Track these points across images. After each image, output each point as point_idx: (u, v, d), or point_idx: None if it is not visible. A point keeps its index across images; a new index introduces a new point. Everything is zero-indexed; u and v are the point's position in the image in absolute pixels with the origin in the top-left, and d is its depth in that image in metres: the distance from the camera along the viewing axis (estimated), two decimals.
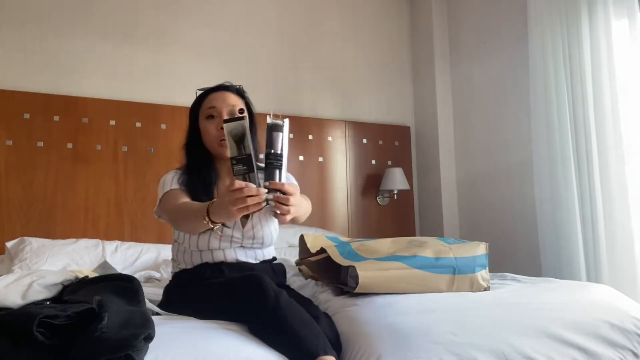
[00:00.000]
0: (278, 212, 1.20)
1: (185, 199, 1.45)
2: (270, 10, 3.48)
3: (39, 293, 1.12)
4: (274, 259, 1.65)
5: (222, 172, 1.58)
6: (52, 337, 0.89)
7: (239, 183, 1.12)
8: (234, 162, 1.16)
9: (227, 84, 1.60)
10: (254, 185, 1.13)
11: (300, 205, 1.31)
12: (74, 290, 1.17)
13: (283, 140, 1.21)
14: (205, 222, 1.22)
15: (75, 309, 0.93)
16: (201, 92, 1.60)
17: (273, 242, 1.62)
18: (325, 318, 1.37)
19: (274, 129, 1.20)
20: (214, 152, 1.55)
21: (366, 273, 1.51)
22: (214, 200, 1.26)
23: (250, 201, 1.11)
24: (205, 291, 1.40)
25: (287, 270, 1.96)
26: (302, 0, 3.60)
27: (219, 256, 1.50)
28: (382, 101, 3.80)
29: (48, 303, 1.07)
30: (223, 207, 1.16)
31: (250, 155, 1.16)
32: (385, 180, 3.51)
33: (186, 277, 1.52)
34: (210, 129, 1.52)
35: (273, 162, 1.19)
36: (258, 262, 1.56)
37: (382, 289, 1.52)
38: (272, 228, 1.58)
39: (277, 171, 1.20)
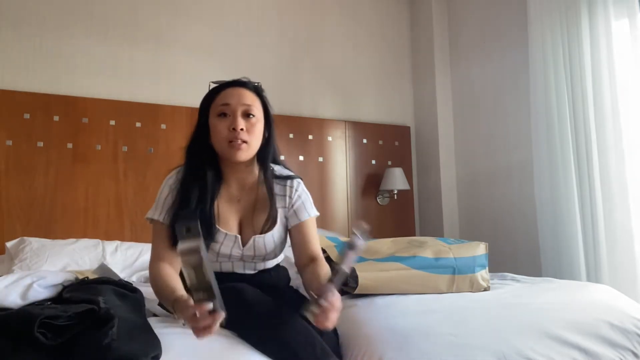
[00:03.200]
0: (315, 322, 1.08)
1: (165, 251, 1.31)
2: (271, 10, 3.48)
3: (39, 293, 1.12)
4: (277, 266, 1.53)
5: (228, 175, 1.42)
6: (53, 337, 0.89)
7: (198, 310, 0.96)
8: (193, 290, 0.99)
9: (244, 79, 1.44)
10: (210, 309, 0.96)
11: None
12: (75, 290, 1.17)
13: (353, 260, 1.09)
14: (176, 317, 1.12)
15: (76, 310, 0.93)
16: (215, 85, 1.43)
17: (277, 256, 1.49)
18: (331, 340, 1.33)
19: (352, 247, 1.07)
20: (221, 154, 1.38)
21: (366, 274, 1.51)
22: (181, 299, 1.09)
23: (202, 328, 0.97)
24: None
25: (288, 268, 1.96)
26: (302, 1, 3.60)
27: (214, 266, 1.39)
28: (382, 101, 3.80)
29: (49, 303, 1.07)
30: (186, 320, 1.02)
31: (210, 284, 0.97)
32: (385, 180, 3.51)
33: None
34: (221, 128, 1.34)
35: (337, 280, 1.09)
36: (256, 271, 1.46)
37: (382, 290, 1.52)
38: (277, 245, 1.44)
39: (334, 287, 1.10)
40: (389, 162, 3.68)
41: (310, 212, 1.47)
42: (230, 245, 1.38)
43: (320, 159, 3.48)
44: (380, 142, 3.70)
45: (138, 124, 2.94)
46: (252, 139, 1.36)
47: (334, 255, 1.66)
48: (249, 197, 1.44)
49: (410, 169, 3.76)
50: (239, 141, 1.33)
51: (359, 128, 3.64)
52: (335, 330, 1.35)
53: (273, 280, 1.48)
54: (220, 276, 1.35)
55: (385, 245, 1.74)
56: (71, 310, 0.92)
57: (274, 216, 1.43)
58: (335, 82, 3.64)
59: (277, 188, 1.46)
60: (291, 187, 1.47)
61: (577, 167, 2.58)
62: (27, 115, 2.71)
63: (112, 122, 2.89)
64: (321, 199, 3.42)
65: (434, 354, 1.28)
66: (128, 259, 2.49)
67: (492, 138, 3.35)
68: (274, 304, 1.24)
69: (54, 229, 2.67)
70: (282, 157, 1.53)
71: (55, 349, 0.89)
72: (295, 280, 1.83)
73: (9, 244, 2.42)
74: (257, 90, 1.45)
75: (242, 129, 1.34)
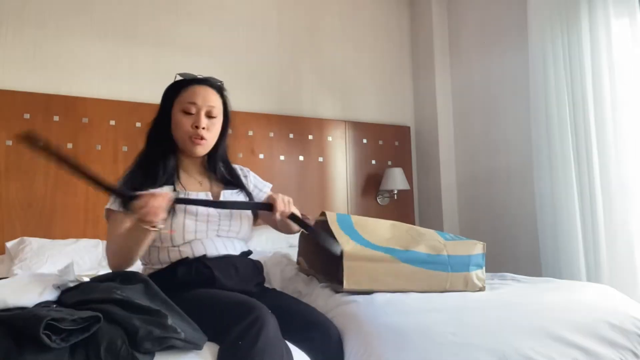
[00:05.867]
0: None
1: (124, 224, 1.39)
2: (270, 10, 3.48)
3: (51, 294, 1.12)
4: (250, 252, 1.55)
5: (186, 165, 1.53)
6: (57, 340, 0.89)
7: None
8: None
9: (210, 78, 1.54)
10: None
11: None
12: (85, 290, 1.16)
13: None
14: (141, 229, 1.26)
15: (81, 314, 0.93)
16: (182, 78, 1.52)
17: (248, 235, 1.55)
18: (333, 328, 1.34)
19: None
20: (182, 146, 1.49)
21: (353, 263, 1.50)
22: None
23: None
24: (192, 303, 1.22)
25: (287, 265, 1.96)
26: (302, 1, 3.60)
27: (199, 249, 1.40)
28: (382, 101, 3.80)
29: (54, 306, 1.07)
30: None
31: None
32: (385, 180, 3.52)
33: (166, 281, 1.31)
34: (185, 124, 1.45)
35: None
36: (239, 253, 1.48)
37: (370, 283, 1.51)
38: (245, 214, 1.52)
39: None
40: (389, 162, 3.68)
41: (267, 185, 1.69)
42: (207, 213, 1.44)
43: (320, 159, 3.48)
44: (380, 142, 3.70)
45: (138, 124, 2.95)
46: (211, 136, 1.50)
47: (331, 219, 1.65)
48: (208, 180, 1.55)
49: (410, 169, 3.76)
50: (199, 138, 1.46)
51: (359, 128, 3.64)
52: (335, 328, 1.35)
53: (258, 275, 1.52)
54: (214, 262, 1.40)
55: (383, 228, 1.71)
56: (76, 315, 0.92)
57: (238, 178, 1.59)
58: (335, 82, 3.64)
59: (231, 172, 1.60)
60: (242, 169, 1.66)
61: (577, 167, 2.58)
62: (27, 115, 2.71)
63: (112, 122, 2.89)
64: (321, 199, 3.42)
65: (434, 353, 1.28)
66: None
67: (492, 138, 3.35)
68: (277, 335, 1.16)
69: (54, 229, 2.67)
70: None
71: (58, 351, 0.89)
72: (297, 278, 1.84)
73: (9, 244, 2.42)
74: (220, 90, 1.55)
75: (203, 128, 1.46)
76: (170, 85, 1.53)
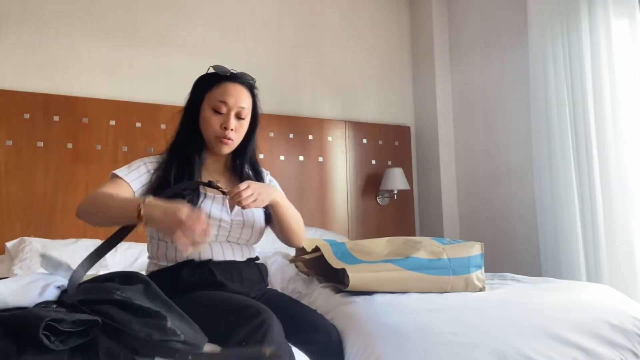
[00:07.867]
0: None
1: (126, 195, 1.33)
2: (270, 10, 3.49)
3: (52, 294, 1.12)
4: (257, 258, 1.55)
5: (208, 162, 1.50)
6: (56, 342, 0.89)
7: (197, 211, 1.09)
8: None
9: (243, 76, 1.48)
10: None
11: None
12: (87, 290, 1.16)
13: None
14: (133, 217, 1.14)
15: (80, 317, 0.93)
16: (215, 72, 1.48)
17: (258, 239, 1.53)
18: (333, 331, 1.35)
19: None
20: (207, 143, 1.47)
21: (356, 275, 1.51)
22: (150, 199, 1.16)
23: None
24: (196, 304, 1.23)
25: (287, 265, 1.96)
26: (302, 1, 3.60)
27: (206, 253, 1.39)
28: (382, 101, 3.80)
29: (54, 307, 1.07)
30: (167, 218, 1.09)
31: None
32: (385, 180, 3.52)
33: (170, 282, 1.30)
34: (214, 123, 1.43)
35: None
36: (245, 259, 1.47)
37: (374, 285, 1.52)
38: (261, 217, 1.50)
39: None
40: (389, 162, 3.69)
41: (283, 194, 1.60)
42: (219, 208, 1.42)
43: (320, 159, 3.48)
44: (380, 142, 3.70)
45: (138, 124, 2.95)
46: (238, 137, 1.48)
47: (328, 254, 1.66)
48: (227, 181, 1.53)
49: (410, 169, 3.77)
50: (226, 139, 1.44)
51: (359, 128, 3.64)
52: (336, 330, 1.36)
53: (261, 279, 1.50)
54: (218, 266, 1.39)
55: (380, 246, 1.72)
56: (76, 317, 0.92)
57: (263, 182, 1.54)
58: (335, 82, 3.64)
59: (251, 174, 1.56)
60: (262, 173, 1.60)
61: (577, 167, 2.58)
62: (27, 115, 2.71)
63: (112, 122, 2.89)
64: (321, 199, 3.42)
65: (434, 353, 1.28)
66: (128, 259, 2.49)
67: (492, 138, 3.35)
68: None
69: (54, 229, 2.67)
70: (261, 156, 1.60)
71: (57, 353, 0.88)
72: (281, 283, 1.84)
73: (9, 244, 2.42)
74: (252, 89, 1.51)
75: (232, 129, 1.44)
76: (201, 77, 1.50)
